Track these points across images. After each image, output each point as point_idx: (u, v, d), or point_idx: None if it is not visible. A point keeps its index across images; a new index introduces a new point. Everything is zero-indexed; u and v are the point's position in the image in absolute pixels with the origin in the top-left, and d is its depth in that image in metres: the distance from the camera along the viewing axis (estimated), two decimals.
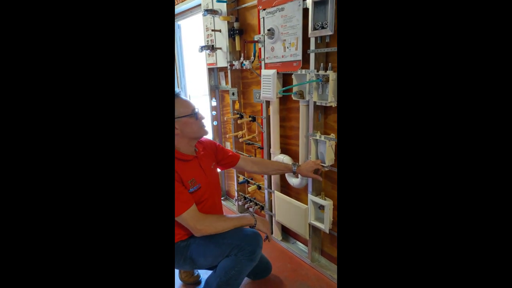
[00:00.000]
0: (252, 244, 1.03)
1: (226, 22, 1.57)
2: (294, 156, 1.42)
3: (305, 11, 1.13)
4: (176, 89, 1.06)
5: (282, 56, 1.27)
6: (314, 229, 1.35)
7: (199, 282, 1.33)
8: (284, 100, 1.42)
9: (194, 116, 1.07)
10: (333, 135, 1.18)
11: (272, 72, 1.32)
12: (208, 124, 1.42)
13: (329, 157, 1.18)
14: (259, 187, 1.68)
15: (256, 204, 1.72)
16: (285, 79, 1.36)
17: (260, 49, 1.40)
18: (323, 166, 1.20)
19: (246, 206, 1.75)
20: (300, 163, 1.32)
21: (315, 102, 1.16)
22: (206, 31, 1.75)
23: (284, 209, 1.47)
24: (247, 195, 1.79)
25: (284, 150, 1.49)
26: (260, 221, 1.13)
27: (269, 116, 1.46)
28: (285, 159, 1.41)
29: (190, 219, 1.01)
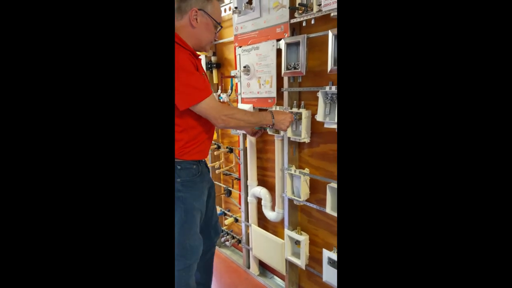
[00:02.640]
0: (192, 259, 1.01)
1: (203, 55, 1.60)
2: (271, 188, 1.42)
3: (279, 51, 1.18)
4: None
5: (258, 92, 1.31)
6: (290, 264, 1.32)
7: None
8: None
9: (216, 27, 0.96)
10: (307, 170, 1.20)
11: (249, 106, 1.35)
12: None
13: (304, 192, 1.19)
14: (236, 220, 1.65)
15: (233, 238, 1.68)
16: None
17: (237, 83, 1.43)
18: (298, 200, 1.20)
19: (223, 239, 1.70)
20: (276, 192, 1.33)
21: (289, 138, 1.18)
22: None
23: (261, 243, 1.44)
24: (224, 228, 1.75)
25: (261, 182, 1.49)
26: (278, 120, 1.02)
27: (246, 148, 1.47)
28: (262, 191, 1.40)
29: (213, 104, 0.88)
